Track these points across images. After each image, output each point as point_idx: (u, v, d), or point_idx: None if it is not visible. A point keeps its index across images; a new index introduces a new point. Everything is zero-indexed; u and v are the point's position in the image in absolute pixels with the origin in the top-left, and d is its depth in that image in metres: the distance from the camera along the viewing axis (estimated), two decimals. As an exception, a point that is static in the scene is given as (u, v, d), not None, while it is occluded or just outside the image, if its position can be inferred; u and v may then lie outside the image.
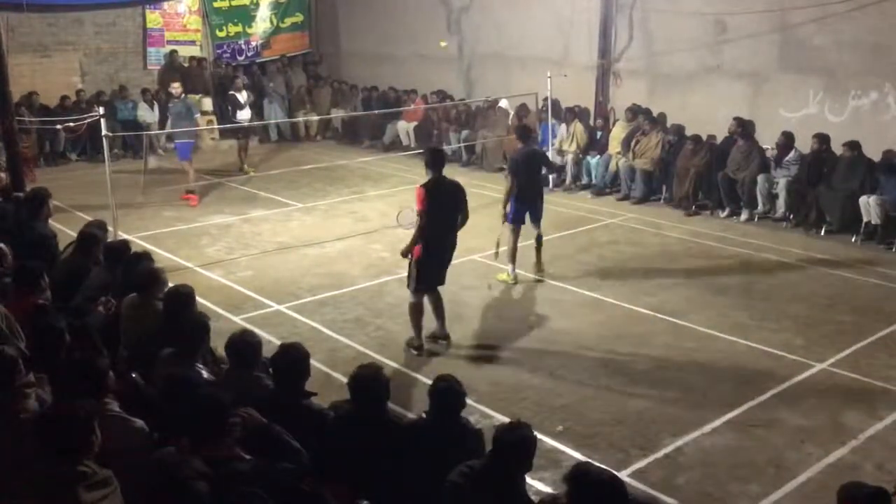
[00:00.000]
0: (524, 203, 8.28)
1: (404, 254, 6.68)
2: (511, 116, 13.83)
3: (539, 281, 8.45)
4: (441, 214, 6.57)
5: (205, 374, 4.48)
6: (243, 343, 4.45)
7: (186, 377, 4.13)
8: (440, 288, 6.87)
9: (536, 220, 8.50)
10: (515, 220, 8.31)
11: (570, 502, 3.13)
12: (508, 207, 8.24)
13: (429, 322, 6.85)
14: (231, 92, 14.15)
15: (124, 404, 3.83)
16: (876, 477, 4.69)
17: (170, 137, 15.95)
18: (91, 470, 3.13)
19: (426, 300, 6.81)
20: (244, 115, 13.85)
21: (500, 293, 8.16)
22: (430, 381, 5.66)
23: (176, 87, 12.12)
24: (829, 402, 5.87)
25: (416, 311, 6.76)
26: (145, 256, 5.86)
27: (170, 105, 11.93)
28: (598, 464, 3.98)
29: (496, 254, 8.28)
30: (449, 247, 6.82)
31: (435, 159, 6.65)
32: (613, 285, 8.32)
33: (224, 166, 14.03)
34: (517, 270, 8.40)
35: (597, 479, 3.14)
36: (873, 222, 9.60)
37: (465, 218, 6.79)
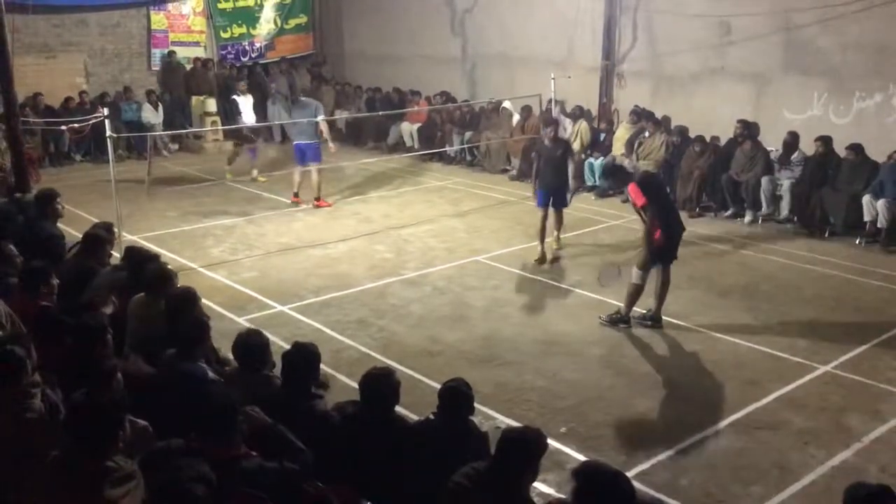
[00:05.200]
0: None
1: (651, 251, 7.01)
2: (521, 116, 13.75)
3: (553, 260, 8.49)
4: (663, 195, 7.24)
5: (209, 373, 4.48)
6: (250, 343, 4.44)
7: (198, 377, 4.13)
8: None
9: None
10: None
11: (576, 498, 3.14)
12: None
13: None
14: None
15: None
16: (880, 479, 4.67)
17: (174, 139, 16.10)
18: (116, 465, 3.13)
19: (659, 278, 7.22)
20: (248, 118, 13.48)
21: (503, 294, 8.16)
22: (432, 383, 5.70)
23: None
24: (833, 404, 5.87)
25: (637, 291, 7.21)
26: (154, 257, 5.87)
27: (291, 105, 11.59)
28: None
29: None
30: (680, 220, 7.36)
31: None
32: (617, 287, 8.28)
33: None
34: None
35: (603, 472, 3.19)
36: (879, 225, 9.58)
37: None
